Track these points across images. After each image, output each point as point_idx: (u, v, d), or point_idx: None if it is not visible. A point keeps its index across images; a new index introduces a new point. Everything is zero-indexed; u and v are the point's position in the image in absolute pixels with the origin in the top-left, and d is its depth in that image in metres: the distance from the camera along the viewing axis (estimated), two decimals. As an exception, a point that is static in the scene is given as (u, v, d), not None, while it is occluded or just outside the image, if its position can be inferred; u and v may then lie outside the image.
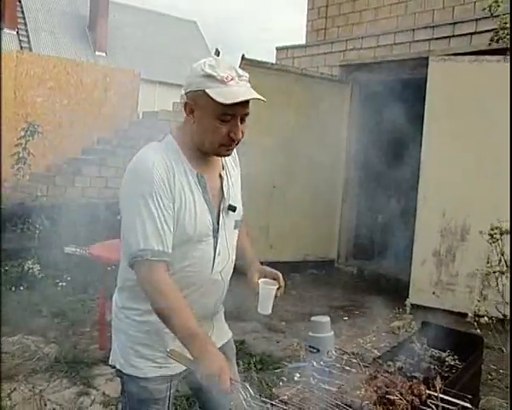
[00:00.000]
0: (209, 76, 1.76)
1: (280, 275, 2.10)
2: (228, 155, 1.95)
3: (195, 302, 1.88)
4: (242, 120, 1.83)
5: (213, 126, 1.79)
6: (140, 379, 1.94)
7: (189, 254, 1.88)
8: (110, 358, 2.05)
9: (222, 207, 1.96)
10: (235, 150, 2.02)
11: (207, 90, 1.74)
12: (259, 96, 1.79)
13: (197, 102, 1.80)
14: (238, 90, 1.77)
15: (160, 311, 1.76)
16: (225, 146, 1.85)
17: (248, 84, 1.84)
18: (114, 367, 2.04)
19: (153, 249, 1.75)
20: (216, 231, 1.93)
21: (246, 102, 1.80)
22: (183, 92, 1.91)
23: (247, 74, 1.84)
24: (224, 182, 1.99)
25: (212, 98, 1.73)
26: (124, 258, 1.89)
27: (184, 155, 1.88)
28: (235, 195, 2.04)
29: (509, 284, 3.80)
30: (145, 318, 1.91)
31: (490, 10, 5.73)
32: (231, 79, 1.76)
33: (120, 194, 1.88)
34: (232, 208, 1.98)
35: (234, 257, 2.06)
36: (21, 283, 5.92)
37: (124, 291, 2.00)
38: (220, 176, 1.99)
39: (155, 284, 1.76)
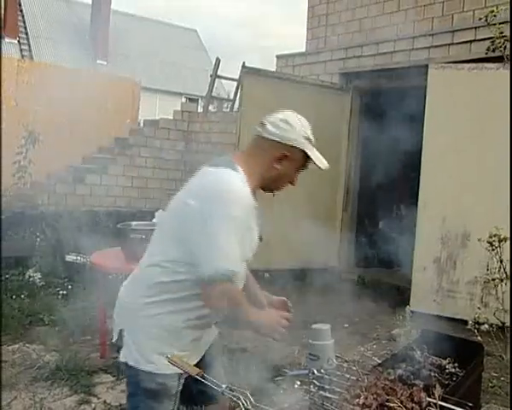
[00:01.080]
0: (308, 139, 2.10)
1: (286, 301, 2.37)
2: (273, 193, 2.21)
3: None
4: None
5: (291, 175, 2.14)
6: (158, 375, 2.02)
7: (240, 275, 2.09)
8: (121, 354, 2.09)
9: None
10: None
11: (308, 152, 2.08)
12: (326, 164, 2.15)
13: (292, 155, 2.08)
14: (320, 155, 2.14)
15: (231, 319, 2.05)
16: (282, 187, 2.19)
17: None
18: (127, 364, 2.07)
19: (234, 271, 1.93)
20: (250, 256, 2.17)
21: None
22: (277, 138, 2.07)
23: None
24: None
25: (305, 156, 2.09)
26: (185, 267, 1.98)
27: (250, 187, 2.04)
28: None
29: (508, 291, 3.80)
30: (168, 319, 2.03)
31: (486, 20, 5.76)
32: (313, 144, 2.13)
33: (203, 210, 1.92)
34: (260, 238, 2.19)
35: None
36: (22, 291, 5.93)
37: (155, 292, 2.04)
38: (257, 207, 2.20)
39: (235, 300, 1.97)
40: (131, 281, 2.19)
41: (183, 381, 2.09)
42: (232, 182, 1.95)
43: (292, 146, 2.06)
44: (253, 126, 2.15)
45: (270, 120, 2.10)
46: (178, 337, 2.05)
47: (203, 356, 2.24)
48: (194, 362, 2.10)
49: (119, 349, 2.15)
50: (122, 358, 2.09)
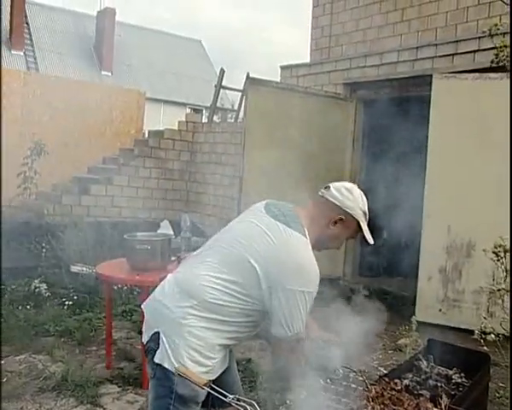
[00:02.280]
0: (365, 214, 2.31)
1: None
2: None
3: (254, 332, 2.29)
4: None
5: (342, 240, 2.38)
6: (191, 382, 2.07)
7: None
8: (156, 356, 2.14)
9: None
10: None
11: (362, 225, 2.29)
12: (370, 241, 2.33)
13: (347, 222, 2.28)
14: (368, 230, 2.32)
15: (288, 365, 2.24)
16: (327, 249, 2.40)
17: None
18: (161, 366, 2.12)
19: (301, 334, 2.15)
20: None
21: None
22: (337, 203, 2.27)
23: None
24: None
25: (361, 230, 2.30)
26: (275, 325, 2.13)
27: None
28: None
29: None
30: (207, 335, 2.11)
31: (490, 33, 5.77)
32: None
33: (286, 285, 2.10)
34: None
35: None
36: (28, 301, 5.94)
37: (198, 306, 2.12)
38: None
39: (295, 355, 2.17)
40: (175, 286, 2.21)
41: (210, 387, 2.15)
42: (310, 259, 2.16)
43: (349, 213, 2.26)
44: (320, 190, 2.37)
45: (335, 185, 2.32)
46: (213, 351, 2.14)
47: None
48: (221, 370, 2.22)
49: (146, 351, 2.21)
50: (157, 360, 2.13)
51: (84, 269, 6.40)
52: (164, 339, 2.12)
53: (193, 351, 2.09)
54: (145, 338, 2.22)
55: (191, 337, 2.09)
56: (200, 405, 2.20)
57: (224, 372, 2.27)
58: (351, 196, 2.28)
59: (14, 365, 4.50)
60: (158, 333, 2.15)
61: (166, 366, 2.10)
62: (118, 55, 27.80)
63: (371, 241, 2.30)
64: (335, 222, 2.27)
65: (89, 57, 27.83)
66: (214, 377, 2.16)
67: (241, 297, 2.11)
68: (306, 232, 2.19)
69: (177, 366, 2.07)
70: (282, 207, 2.30)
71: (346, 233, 2.33)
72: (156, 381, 2.16)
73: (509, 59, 5.53)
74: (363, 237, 2.31)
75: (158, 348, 2.13)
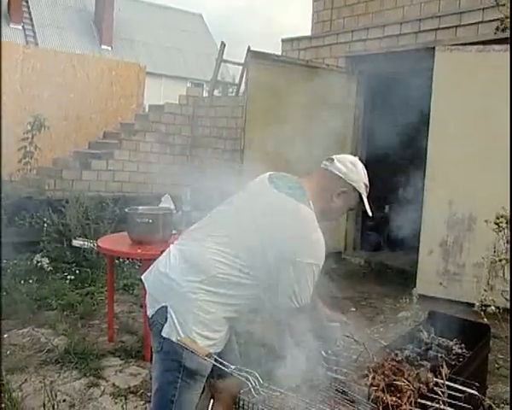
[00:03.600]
0: (366, 187, 2.33)
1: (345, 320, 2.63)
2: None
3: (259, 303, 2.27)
4: None
5: (343, 211, 2.40)
6: (198, 354, 2.07)
7: None
8: (164, 330, 2.14)
9: None
10: None
11: (363, 198, 2.32)
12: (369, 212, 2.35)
13: (349, 194, 2.31)
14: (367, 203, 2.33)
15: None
16: (332, 220, 2.41)
17: None
18: (169, 339, 2.12)
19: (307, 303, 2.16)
20: None
21: None
22: (342, 175, 2.29)
23: None
24: None
25: (362, 202, 2.32)
26: (281, 293, 2.14)
27: None
28: None
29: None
30: (214, 309, 2.13)
31: (497, 3, 5.68)
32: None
33: (293, 256, 2.11)
34: None
35: None
36: (30, 276, 5.97)
37: (207, 280, 2.12)
38: None
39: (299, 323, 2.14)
40: (182, 260, 2.21)
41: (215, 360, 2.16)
42: (317, 232, 2.19)
43: (352, 186, 2.29)
44: (322, 162, 2.38)
45: (338, 157, 2.34)
46: (220, 325, 2.16)
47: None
48: (223, 346, 2.23)
49: (151, 325, 2.20)
50: (165, 334, 2.13)
51: (86, 243, 6.41)
52: (172, 313, 2.12)
53: (201, 325, 2.11)
54: (150, 312, 2.21)
55: (200, 312, 2.10)
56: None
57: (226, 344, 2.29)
58: (355, 169, 2.30)
59: (18, 338, 4.54)
60: (165, 307, 2.14)
61: (174, 339, 2.10)
62: (117, 29, 27.56)
63: (371, 213, 2.31)
64: (339, 194, 2.29)
65: (88, 31, 27.59)
66: (219, 350, 2.17)
67: (249, 272, 2.12)
68: (311, 205, 2.20)
69: (183, 337, 2.08)
70: (287, 179, 2.30)
71: (348, 205, 2.35)
72: (164, 355, 2.16)
73: None
74: (363, 209, 2.33)
75: (165, 322, 2.13)
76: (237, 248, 2.13)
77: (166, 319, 2.13)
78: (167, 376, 2.16)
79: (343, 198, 2.31)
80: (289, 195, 2.18)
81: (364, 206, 2.32)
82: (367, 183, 2.34)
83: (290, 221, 2.14)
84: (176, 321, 2.11)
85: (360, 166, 2.35)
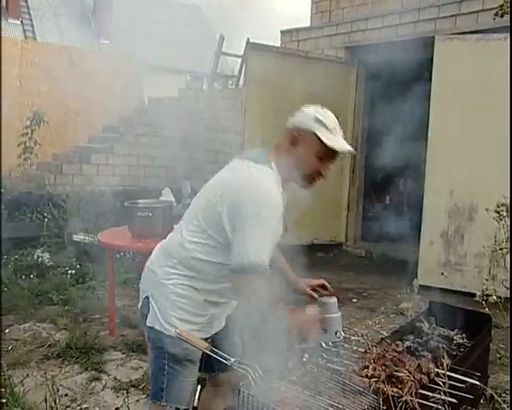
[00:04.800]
0: (321, 122, 2.10)
1: (326, 283, 2.49)
2: (309, 188, 2.23)
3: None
4: (332, 163, 2.18)
5: (311, 162, 2.13)
6: (181, 340, 2.09)
7: None
8: (147, 320, 2.19)
9: None
10: None
11: (318, 133, 2.08)
12: (352, 150, 2.21)
13: (304, 139, 2.11)
14: (341, 141, 2.14)
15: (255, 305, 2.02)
16: (312, 181, 2.19)
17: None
18: (153, 328, 2.17)
19: (261, 265, 1.97)
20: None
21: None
22: (290, 126, 2.16)
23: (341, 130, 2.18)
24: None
25: (320, 140, 2.07)
26: (221, 254, 2.08)
27: (282, 182, 2.15)
28: None
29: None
30: (191, 294, 2.14)
31: None
32: (335, 129, 2.12)
33: (245, 206, 2.01)
34: (285, 228, 2.24)
35: None
36: (31, 271, 5.96)
37: (180, 265, 2.15)
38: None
39: (262, 292, 1.98)
40: (159, 250, 2.29)
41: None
42: (265, 184, 2.05)
43: (301, 128, 2.12)
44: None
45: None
46: (201, 309, 2.16)
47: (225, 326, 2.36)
48: (216, 331, 2.26)
49: (142, 317, 2.24)
50: (149, 323, 2.18)
51: (87, 238, 6.41)
52: (152, 302, 2.18)
53: (180, 310, 2.13)
54: (139, 304, 2.28)
55: (175, 297, 2.13)
56: (198, 364, 2.24)
57: (225, 336, 2.31)
58: (300, 113, 2.17)
59: (19, 333, 4.54)
60: (147, 297, 2.21)
61: (157, 328, 2.15)
62: (116, 22, 27.45)
63: (337, 147, 2.10)
64: (293, 143, 2.13)
65: (87, 25, 27.49)
66: (208, 336, 2.21)
67: (216, 245, 2.09)
68: (274, 164, 2.12)
69: (181, 330, 2.10)
70: (257, 150, 2.25)
71: (311, 152, 2.11)
72: (151, 343, 2.23)
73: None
74: (331, 148, 2.09)
75: (148, 311, 2.19)
76: (204, 225, 2.11)
77: (149, 308, 2.19)
78: (156, 363, 2.21)
79: (302, 146, 2.11)
80: (250, 159, 2.14)
81: (325, 143, 2.08)
82: (320, 118, 2.10)
83: (241, 178, 2.08)
84: (156, 309, 2.16)
85: (309, 108, 2.17)
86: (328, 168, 2.17)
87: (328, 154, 2.12)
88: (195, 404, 2.28)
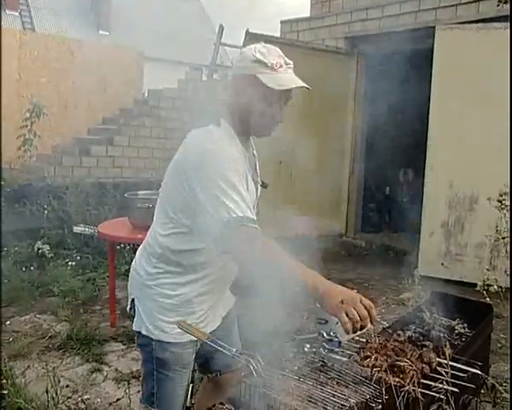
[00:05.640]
0: (260, 62, 1.87)
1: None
2: (269, 135, 2.02)
3: (229, 271, 2.07)
4: (285, 104, 1.96)
5: (260, 109, 1.91)
6: (169, 344, 2.01)
7: None
8: (134, 324, 2.09)
9: (258, 184, 2.09)
10: None
11: (259, 76, 1.86)
12: (304, 84, 1.91)
13: (247, 86, 1.90)
14: (287, 77, 1.89)
15: (266, 270, 1.70)
16: (269, 127, 1.98)
17: (292, 72, 1.95)
18: (140, 333, 2.07)
19: (246, 216, 1.74)
20: (254, 207, 2.01)
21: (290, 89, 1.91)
22: (232, 74, 1.99)
23: (291, 62, 1.96)
24: (257, 161, 2.12)
25: (262, 83, 1.85)
26: (204, 229, 1.84)
27: (237, 136, 1.97)
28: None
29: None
30: (178, 292, 2.01)
31: None
32: (280, 67, 1.89)
33: (195, 174, 1.85)
34: (264, 186, 2.10)
35: None
36: (32, 263, 5.97)
37: (160, 262, 2.02)
38: (254, 155, 2.11)
39: (263, 244, 1.72)
40: (141, 250, 2.16)
41: (196, 349, 2.10)
42: (210, 142, 1.89)
43: (241, 74, 1.93)
44: None
45: None
46: (191, 307, 2.03)
47: (221, 323, 2.22)
48: (211, 330, 2.11)
49: (132, 319, 2.15)
50: (135, 327, 2.09)
51: (87, 229, 6.40)
52: (138, 305, 2.07)
53: (167, 311, 2.01)
54: (128, 307, 2.17)
55: (161, 298, 2.01)
56: (191, 367, 2.11)
57: (226, 334, 2.20)
58: (240, 57, 1.96)
59: (20, 325, 4.55)
60: (133, 299, 2.11)
61: (144, 332, 2.04)
62: (115, 13, 27.36)
63: (278, 86, 1.86)
64: (237, 92, 1.94)
65: (86, 16, 27.40)
66: (210, 330, 2.09)
67: (187, 231, 1.93)
68: (222, 121, 1.96)
69: (180, 321, 1.99)
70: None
71: (257, 97, 1.89)
72: (140, 347, 2.13)
73: None
74: (278, 88, 1.87)
75: (135, 314, 2.09)
76: (172, 211, 1.96)
77: (135, 311, 2.09)
78: (146, 367, 2.10)
79: (247, 94, 1.90)
80: (196, 128, 1.99)
81: (265, 84, 1.85)
82: (259, 58, 1.87)
83: (188, 147, 1.95)
84: (142, 312, 2.05)
85: (247, 49, 1.94)
86: (281, 110, 1.95)
87: (276, 95, 1.89)
88: (188, 404, 2.19)
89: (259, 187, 2.12)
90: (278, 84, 1.86)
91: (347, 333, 1.63)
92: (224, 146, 1.87)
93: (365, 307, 1.64)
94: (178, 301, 2.01)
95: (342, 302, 1.62)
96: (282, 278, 1.69)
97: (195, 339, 2.01)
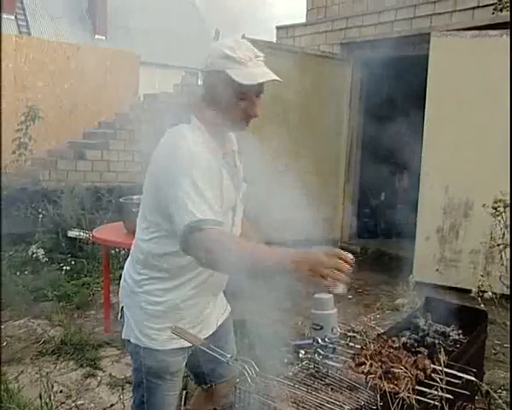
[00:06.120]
0: (229, 57, 1.86)
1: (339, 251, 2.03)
2: (242, 130, 2.03)
3: (218, 275, 2.02)
4: (258, 97, 1.96)
5: (232, 104, 1.91)
6: (158, 352, 2.00)
7: None
8: (123, 332, 2.09)
9: (239, 182, 2.07)
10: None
11: (227, 71, 1.85)
12: (276, 77, 1.91)
13: (217, 82, 1.89)
14: (256, 71, 1.88)
15: (234, 264, 1.68)
16: (242, 122, 1.97)
17: (264, 65, 1.94)
18: (129, 341, 2.06)
19: (202, 219, 1.75)
20: (235, 205, 2.03)
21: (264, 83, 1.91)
22: (204, 70, 1.97)
23: (263, 55, 1.95)
24: (237, 159, 2.10)
25: (232, 78, 1.84)
26: (168, 234, 1.89)
27: (209, 133, 1.96)
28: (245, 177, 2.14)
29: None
30: (165, 298, 1.99)
31: None
32: (249, 60, 1.88)
33: (163, 175, 1.87)
34: (245, 181, 2.09)
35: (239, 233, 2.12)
36: (26, 267, 5.95)
37: (144, 268, 2.02)
38: (233, 151, 2.10)
39: (218, 243, 1.72)
40: (129, 258, 2.16)
41: (186, 357, 2.08)
42: (177, 141, 1.89)
43: (212, 71, 1.92)
44: None
45: None
46: (179, 313, 2.01)
47: (216, 332, 2.19)
48: (205, 336, 2.08)
49: (123, 326, 2.15)
50: (124, 335, 2.09)
51: (82, 234, 6.39)
52: (127, 313, 2.07)
53: (155, 318, 2.00)
54: (119, 315, 2.16)
55: (149, 305, 2.00)
56: (181, 375, 2.10)
57: (222, 342, 2.17)
58: (210, 52, 1.94)
59: (14, 329, 4.53)
60: (122, 307, 2.11)
61: (133, 340, 2.04)
62: (111, 18, 27.37)
63: (245, 81, 1.85)
64: (209, 88, 1.95)
65: (82, 21, 27.40)
66: (205, 335, 2.08)
67: (168, 234, 1.92)
68: (194, 119, 1.96)
69: (140, 337, 2.00)
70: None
71: (229, 93, 1.89)
72: (130, 355, 2.13)
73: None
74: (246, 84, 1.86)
75: (124, 323, 2.09)
76: (149, 213, 1.97)
77: (124, 319, 2.08)
78: (135, 375, 2.09)
79: (218, 90, 1.90)
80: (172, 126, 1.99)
81: (235, 79, 1.85)
82: (228, 53, 1.86)
83: (159, 150, 1.96)
84: (131, 320, 2.05)
85: (216, 45, 1.96)
86: (255, 105, 1.95)
87: (247, 90, 1.89)
88: None
89: (243, 183, 2.10)
90: (247, 78, 1.85)
91: (332, 291, 1.68)
92: (191, 145, 1.86)
93: (333, 257, 1.67)
94: (166, 307, 1.99)
95: (311, 270, 1.61)
96: (252, 269, 1.68)
97: (185, 346, 2.00)
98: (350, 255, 1.71)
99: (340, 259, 1.68)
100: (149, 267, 2.00)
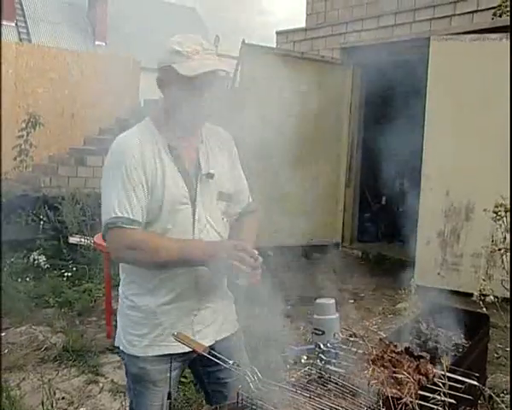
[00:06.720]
0: (176, 52, 1.86)
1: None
2: (200, 124, 2.03)
3: (202, 281, 1.97)
4: (203, 90, 1.90)
5: (182, 99, 1.90)
6: (138, 359, 1.98)
7: (170, 220, 1.93)
8: (116, 339, 2.10)
9: (199, 176, 2.00)
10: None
11: (173, 65, 1.84)
12: (222, 67, 1.92)
13: (167, 77, 1.90)
14: (201, 62, 1.85)
15: (148, 260, 1.86)
16: (192, 117, 1.95)
17: (215, 57, 1.93)
18: (119, 348, 2.08)
19: (123, 217, 1.84)
20: (194, 199, 1.98)
21: (211, 75, 1.88)
22: (156, 68, 1.97)
23: (213, 47, 1.97)
24: (201, 153, 2.03)
25: (176, 72, 1.83)
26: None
27: (158, 129, 1.96)
28: (220, 173, 2.05)
29: (514, 262, 3.78)
30: (141, 303, 1.97)
31: None
32: (196, 53, 1.86)
33: (103, 173, 1.99)
34: (210, 176, 2.01)
35: (219, 229, 2.06)
36: (27, 274, 5.95)
37: (123, 272, 2.06)
38: (197, 147, 2.04)
39: (132, 244, 1.84)
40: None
41: (174, 367, 2.01)
42: (117, 140, 1.95)
43: (162, 68, 1.92)
44: None
45: None
46: (157, 319, 1.96)
47: (213, 348, 2.01)
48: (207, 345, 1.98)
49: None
50: (116, 342, 2.10)
51: (83, 240, 6.39)
52: (118, 320, 2.09)
53: (135, 324, 1.98)
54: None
55: (129, 311, 2.00)
56: (164, 388, 2.00)
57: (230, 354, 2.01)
58: (160, 49, 1.96)
59: (15, 336, 4.53)
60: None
61: (121, 347, 2.04)
62: (111, 24, 27.42)
63: (188, 72, 1.83)
64: (161, 85, 1.95)
65: (82, 27, 27.45)
66: (175, 353, 1.98)
67: None
68: (148, 118, 2.00)
69: (125, 344, 2.00)
70: None
71: (178, 88, 1.88)
72: (122, 361, 2.15)
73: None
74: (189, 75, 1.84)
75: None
76: None
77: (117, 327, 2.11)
78: (127, 382, 2.12)
79: (168, 86, 1.91)
80: None
81: (181, 73, 1.84)
82: (176, 48, 1.86)
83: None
84: (119, 326, 2.07)
85: (169, 40, 1.93)
86: (203, 98, 1.91)
87: (191, 82, 1.85)
88: None
89: (204, 178, 2.00)
90: (188, 70, 1.83)
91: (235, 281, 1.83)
92: (129, 143, 1.90)
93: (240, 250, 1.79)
94: (143, 312, 1.97)
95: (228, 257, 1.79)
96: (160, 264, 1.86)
97: (168, 354, 1.96)
98: (255, 252, 1.83)
99: (246, 253, 1.79)
100: (126, 271, 2.03)
